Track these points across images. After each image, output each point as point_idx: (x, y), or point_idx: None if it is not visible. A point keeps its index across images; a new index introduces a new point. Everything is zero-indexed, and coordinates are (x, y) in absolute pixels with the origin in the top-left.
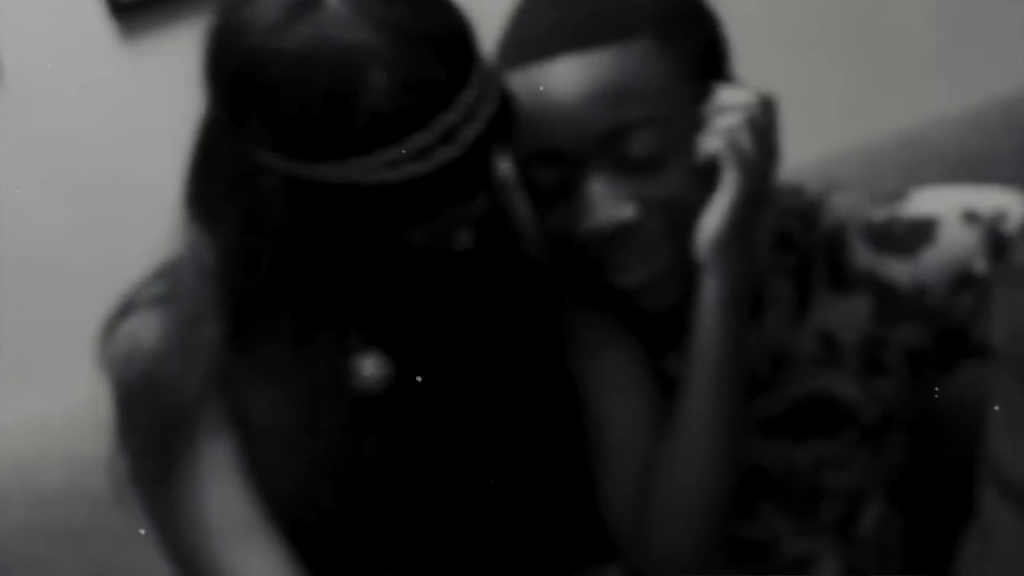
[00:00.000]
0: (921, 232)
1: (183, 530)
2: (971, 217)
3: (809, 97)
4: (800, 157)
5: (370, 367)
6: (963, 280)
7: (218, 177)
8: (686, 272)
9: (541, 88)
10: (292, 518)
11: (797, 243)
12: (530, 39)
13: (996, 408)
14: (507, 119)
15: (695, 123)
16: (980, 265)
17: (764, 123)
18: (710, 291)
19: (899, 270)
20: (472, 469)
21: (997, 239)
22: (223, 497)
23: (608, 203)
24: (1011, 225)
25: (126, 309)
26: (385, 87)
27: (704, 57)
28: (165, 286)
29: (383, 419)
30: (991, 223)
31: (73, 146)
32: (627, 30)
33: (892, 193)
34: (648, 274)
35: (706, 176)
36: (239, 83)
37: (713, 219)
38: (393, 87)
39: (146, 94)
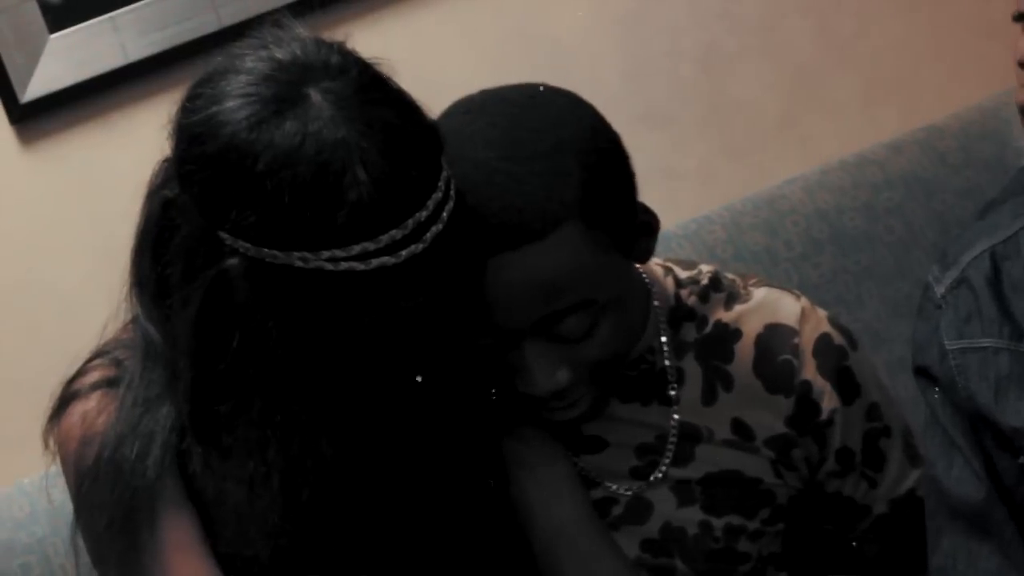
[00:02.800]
0: (855, 389)
1: None
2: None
3: (670, 168)
4: (666, 224)
5: (328, 443)
6: (848, 453)
7: (173, 259)
8: (604, 400)
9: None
10: None
11: (700, 316)
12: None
13: (931, 436)
14: (464, 222)
15: (620, 288)
16: (857, 448)
17: None
18: None
19: (830, 400)
20: (420, 529)
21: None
22: (189, 568)
23: (542, 370)
24: None
25: (73, 394)
26: (368, 184)
27: (621, 216)
28: (111, 369)
29: (343, 485)
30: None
31: None
32: (555, 222)
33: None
34: (576, 413)
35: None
36: (221, 172)
37: None
38: (375, 184)
39: (48, 199)
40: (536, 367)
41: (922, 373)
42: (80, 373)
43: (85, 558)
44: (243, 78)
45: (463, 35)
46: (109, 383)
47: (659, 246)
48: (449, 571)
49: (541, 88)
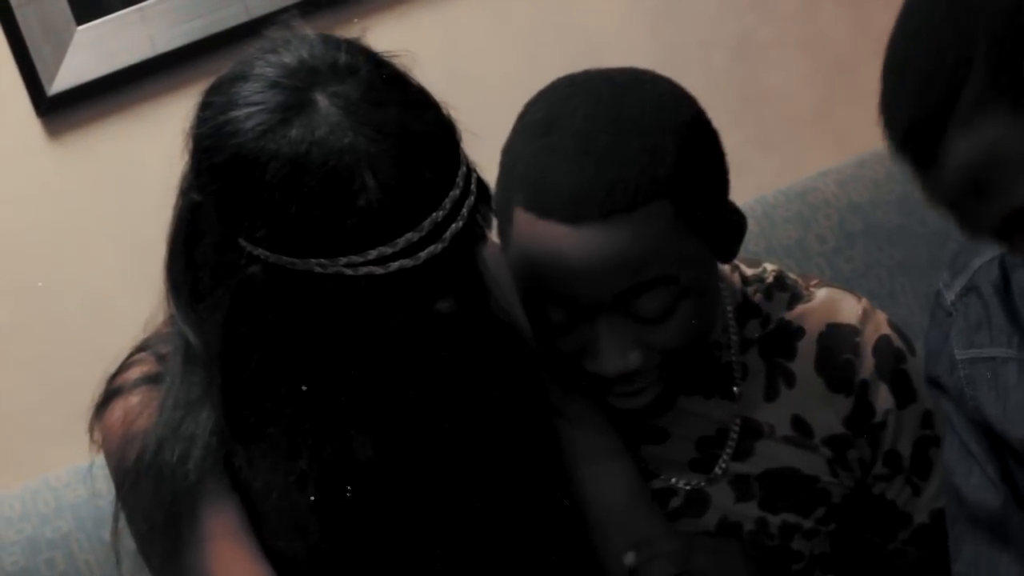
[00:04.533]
0: (910, 394)
1: None
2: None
3: None
4: None
5: (364, 441)
6: (896, 456)
7: (202, 263)
8: (673, 395)
9: (563, 247)
10: None
11: (764, 314)
12: (552, 194)
13: (949, 444)
14: (486, 213)
15: (701, 276)
16: (906, 452)
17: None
18: None
19: (884, 401)
20: (464, 525)
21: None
22: (231, 556)
23: (615, 351)
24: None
25: (116, 390)
26: (377, 190)
27: (711, 203)
28: (153, 364)
29: (379, 486)
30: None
31: (3, 244)
32: (647, 197)
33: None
34: (643, 402)
35: (712, 319)
36: (231, 182)
37: None
38: (385, 190)
39: (75, 192)
40: (608, 345)
41: (933, 383)
42: (123, 368)
43: (126, 545)
44: (251, 85)
45: (495, 26)
46: (151, 380)
47: None
48: (491, 567)
49: (647, 73)
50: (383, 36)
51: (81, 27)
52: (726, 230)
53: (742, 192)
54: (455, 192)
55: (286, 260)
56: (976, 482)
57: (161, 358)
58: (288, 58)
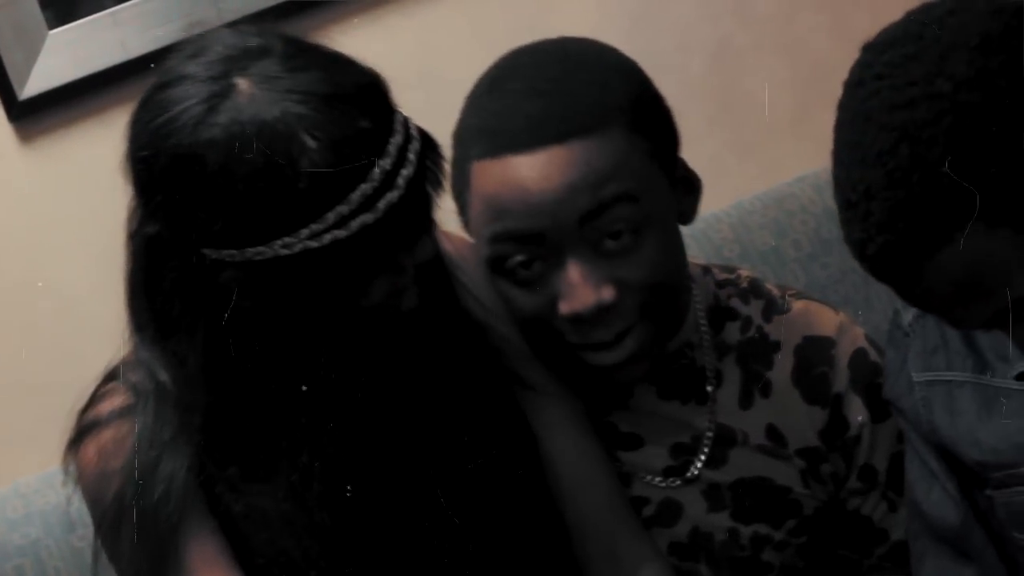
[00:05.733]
0: (886, 408)
1: None
2: None
3: None
4: None
5: (362, 431)
6: (871, 471)
7: (169, 293)
8: (654, 349)
9: (522, 177)
10: None
11: (744, 316)
12: (507, 130)
13: (909, 461)
14: (436, 159)
15: (662, 207)
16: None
17: None
18: None
19: (859, 415)
20: (442, 520)
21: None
22: None
23: (588, 287)
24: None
25: (89, 425)
26: (318, 149)
27: (664, 143)
28: (124, 397)
29: (357, 494)
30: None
31: None
32: (602, 121)
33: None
34: (624, 354)
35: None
36: (176, 184)
37: None
38: (325, 146)
39: (47, 197)
40: (580, 280)
41: (891, 404)
42: (94, 400)
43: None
44: (173, 89)
45: (470, 31)
46: (123, 413)
47: None
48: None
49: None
50: (358, 41)
51: (53, 31)
52: (681, 187)
53: (719, 197)
54: (397, 138)
55: (251, 252)
56: (936, 498)
57: (132, 387)
58: (204, 56)
